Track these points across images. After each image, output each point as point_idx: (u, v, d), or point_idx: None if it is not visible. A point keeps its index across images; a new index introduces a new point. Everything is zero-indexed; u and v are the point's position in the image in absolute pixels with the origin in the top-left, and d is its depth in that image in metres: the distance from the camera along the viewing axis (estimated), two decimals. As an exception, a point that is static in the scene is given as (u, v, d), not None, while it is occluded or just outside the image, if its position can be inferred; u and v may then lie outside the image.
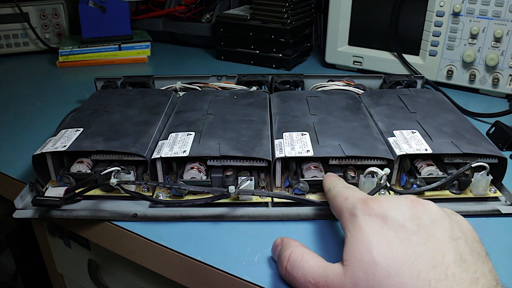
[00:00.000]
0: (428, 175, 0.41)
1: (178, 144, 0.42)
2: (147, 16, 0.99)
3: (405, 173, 0.43)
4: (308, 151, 0.41)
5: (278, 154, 0.41)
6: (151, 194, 0.42)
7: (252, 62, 0.86)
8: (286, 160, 0.43)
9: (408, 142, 0.42)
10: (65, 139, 0.43)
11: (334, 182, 0.37)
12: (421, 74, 0.68)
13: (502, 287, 0.25)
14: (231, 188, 0.38)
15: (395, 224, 0.27)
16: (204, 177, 0.41)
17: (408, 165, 0.43)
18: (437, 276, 0.24)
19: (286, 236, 0.35)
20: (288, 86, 0.63)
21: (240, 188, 0.38)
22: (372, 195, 0.37)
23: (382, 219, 0.28)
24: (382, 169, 0.39)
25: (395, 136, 0.44)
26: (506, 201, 0.42)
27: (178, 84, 0.62)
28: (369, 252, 0.27)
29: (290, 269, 0.31)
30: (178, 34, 1.00)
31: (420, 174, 0.42)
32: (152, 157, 0.41)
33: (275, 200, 0.41)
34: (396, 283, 0.25)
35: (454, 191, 0.42)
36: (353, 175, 0.42)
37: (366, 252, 0.27)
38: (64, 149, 0.41)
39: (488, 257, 0.27)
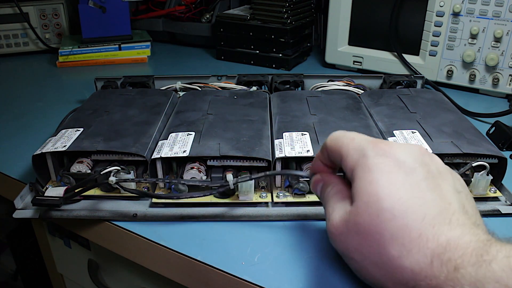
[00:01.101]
0: (428, 175, 0.41)
1: (178, 144, 0.42)
2: (147, 16, 0.99)
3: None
4: (308, 151, 0.41)
5: (278, 154, 0.41)
6: (151, 194, 0.42)
7: (252, 62, 0.86)
8: (286, 160, 0.43)
9: (408, 142, 0.42)
10: (65, 139, 0.43)
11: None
12: (421, 74, 0.68)
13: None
14: (229, 177, 0.37)
15: (406, 167, 0.27)
16: (204, 177, 0.41)
17: (408, 165, 0.43)
18: (442, 220, 0.25)
19: (325, 174, 0.34)
20: (288, 86, 0.63)
21: (239, 181, 0.38)
22: None
23: (394, 161, 0.28)
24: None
25: (395, 136, 0.44)
26: (506, 201, 0.42)
27: (178, 84, 0.62)
28: (376, 193, 0.26)
29: (324, 204, 0.33)
30: (178, 34, 1.00)
31: (420, 174, 0.42)
32: (152, 157, 0.41)
33: (275, 200, 0.41)
34: (399, 225, 0.25)
35: (454, 191, 0.42)
36: (353, 175, 0.42)
37: (373, 193, 0.27)
38: (64, 149, 0.41)
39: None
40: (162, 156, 0.41)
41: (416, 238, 0.25)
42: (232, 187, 0.38)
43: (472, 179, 0.41)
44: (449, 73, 0.71)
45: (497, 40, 0.66)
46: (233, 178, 0.38)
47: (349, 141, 0.31)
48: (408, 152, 0.28)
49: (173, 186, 0.40)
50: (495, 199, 0.42)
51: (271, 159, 0.41)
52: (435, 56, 0.72)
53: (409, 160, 0.28)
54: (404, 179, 0.27)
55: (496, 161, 0.41)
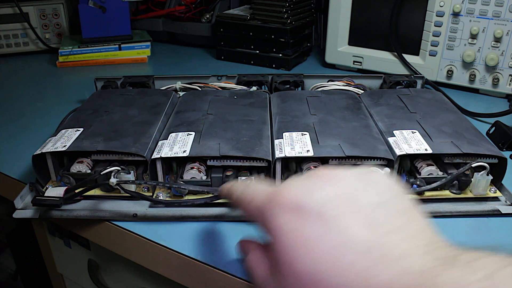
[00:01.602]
0: (428, 175, 0.41)
1: (178, 144, 0.42)
2: (147, 16, 0.99)
3: (405, 173, 0.43)
4: (308, 151, 0.41)
5: (278, 154, 0.41)
6: (151, 194, 0.42)
7: (252, 62, 0.86)
8: (286, 160, 0.42)
9: (408, 142, 0.42)
10: (65, 139, 0.43)
11: (230, 189, 0.30)
12: (421, 74, 0.68)
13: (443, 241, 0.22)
14: None
15: (309, 215, 0.23)
16: (204, 177, 0.41)
17: (408, 165, 0.43)
18: (365, 264, 0.21)
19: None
20: (288, 86, 0.63)
21: None
22: None
23: (295, 212, 0.23)
24: (382, 169, 0.39)
25: (395, 136, 0.44)
26: (506, 201, 0.42)
27: (178, 84, 0.62)
28: (290, 263, 0.23)
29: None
30: (178, 34, 1.00)
31: (420, 174, 0.42)
32: (152, 157, 0.41)
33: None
34: (327, 287, 0.22)
35: (454, 191, 0.42)
36: (353, 175, 0.42)
37: (287, 263, 0.23)
38: (64, 149, 0.41)
39: (417, 209, 0.24)
40: (162, 156, 0.41)
41: None
42: None
43: (472, 179, 0.41)
44: (449, 73, 0.71)
45: (497, 40, 0.66)
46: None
47: (247, 205, 0.27)
48: (310, 192, 0.24)
49: (173, 190, 0.40)
50: (495, 199, 0.42)
51: (271, 159, 0.41)
52: (435, 56, 0.72)
53: (311, 204, 0.23)
54: (310, 232, 0.22)
55: (496, 161, 0.41)
